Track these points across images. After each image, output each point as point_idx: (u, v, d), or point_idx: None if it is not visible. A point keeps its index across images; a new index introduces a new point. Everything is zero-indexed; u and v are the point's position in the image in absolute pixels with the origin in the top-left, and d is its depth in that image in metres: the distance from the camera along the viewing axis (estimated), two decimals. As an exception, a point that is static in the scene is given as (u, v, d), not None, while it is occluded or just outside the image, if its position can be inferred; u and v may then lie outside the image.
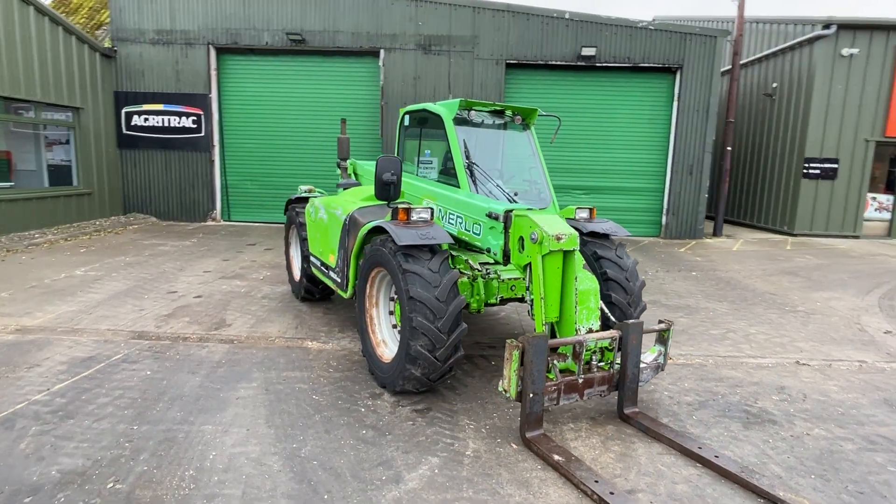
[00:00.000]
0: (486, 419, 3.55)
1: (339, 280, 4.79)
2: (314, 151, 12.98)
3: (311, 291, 6.14)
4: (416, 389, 3.75)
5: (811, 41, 12.11)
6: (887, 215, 12.80)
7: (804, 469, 3.05)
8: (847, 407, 3.92)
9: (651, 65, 12.13)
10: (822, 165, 12.30)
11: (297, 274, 6.54)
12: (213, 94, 12.73)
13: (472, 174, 5.05)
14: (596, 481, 2.74)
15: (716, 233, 13.21)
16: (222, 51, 12.70)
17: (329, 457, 2.99)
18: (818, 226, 12.72)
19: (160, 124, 12.77)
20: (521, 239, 3.64)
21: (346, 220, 4.62)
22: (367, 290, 4.17)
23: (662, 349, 3.79)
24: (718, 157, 12.94)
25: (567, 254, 3.50)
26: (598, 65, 12.24)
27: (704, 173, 12.35)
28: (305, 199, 6.45)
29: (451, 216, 4.44)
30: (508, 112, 5.56)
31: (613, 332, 3.49)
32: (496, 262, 4.48)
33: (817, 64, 11.97)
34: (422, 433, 3.31)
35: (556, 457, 2.96)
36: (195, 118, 12.72)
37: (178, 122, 12.75)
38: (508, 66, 12.39)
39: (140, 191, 13.05)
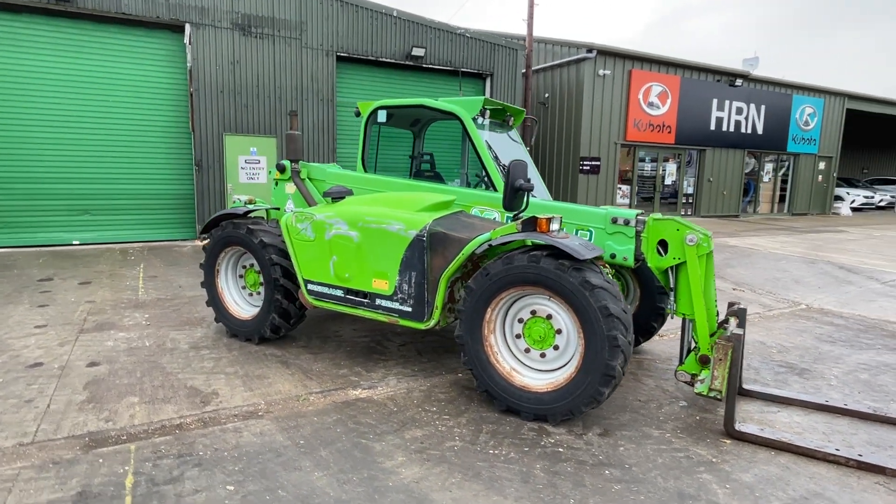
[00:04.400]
0: (661, 424, 3.53)
1: (407, 309, 3.94)
2: (91, 147, 9.87)
3: (278, 328, 4.85)
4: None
5: (578, 61, 14.83)
6: (627, 201, 16.74)
7: (879, 397, 4.01)
8: (814, 349, 5.20)
9: (469, 70, 13.04)
10: (591, 163, 15.28)
11: (238, 311, 5.07)
12: None
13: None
14: (837, 449, 3.09)
15: (521, 222, 15.08)
16: (-83, -4, 8.48)
17: (634, 510, 2.59)
18: (590, 211, 15.76)
19: None
20: (663, 242, 3.71)
21: (420, 235, 3.83)
22: (487, 315, 3.61)
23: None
24: (520, 156, 14.69)
25: (708, 253, 3.73)
26: (424, 66, 12.53)
27: (514, 170, 13.98)
28: (250, 214, 5.01)
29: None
30: (502, 113, 5.43)
31: (734, 319, 3.89)
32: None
33: (584, 80, 14.76)
34: (649, 454, 3.12)
35: (785, 439, 3.20)
36: None
37: None
38: (339, 59, 11.63)
39: None
